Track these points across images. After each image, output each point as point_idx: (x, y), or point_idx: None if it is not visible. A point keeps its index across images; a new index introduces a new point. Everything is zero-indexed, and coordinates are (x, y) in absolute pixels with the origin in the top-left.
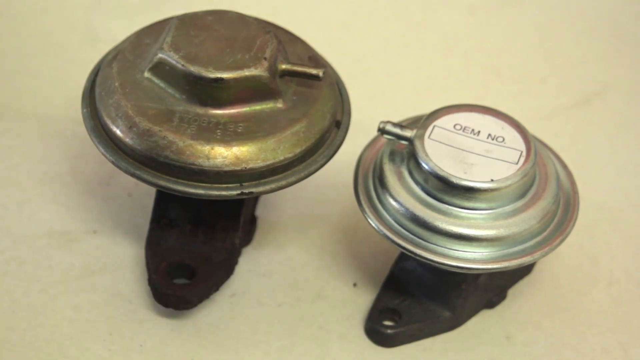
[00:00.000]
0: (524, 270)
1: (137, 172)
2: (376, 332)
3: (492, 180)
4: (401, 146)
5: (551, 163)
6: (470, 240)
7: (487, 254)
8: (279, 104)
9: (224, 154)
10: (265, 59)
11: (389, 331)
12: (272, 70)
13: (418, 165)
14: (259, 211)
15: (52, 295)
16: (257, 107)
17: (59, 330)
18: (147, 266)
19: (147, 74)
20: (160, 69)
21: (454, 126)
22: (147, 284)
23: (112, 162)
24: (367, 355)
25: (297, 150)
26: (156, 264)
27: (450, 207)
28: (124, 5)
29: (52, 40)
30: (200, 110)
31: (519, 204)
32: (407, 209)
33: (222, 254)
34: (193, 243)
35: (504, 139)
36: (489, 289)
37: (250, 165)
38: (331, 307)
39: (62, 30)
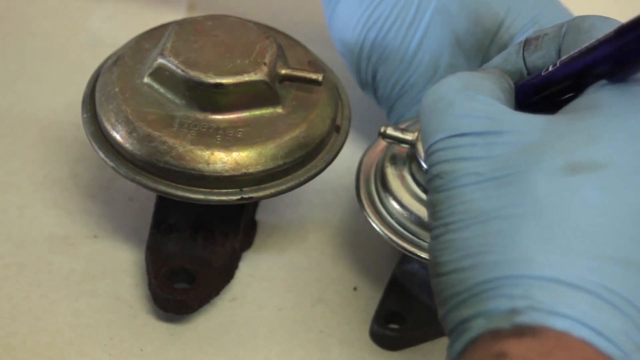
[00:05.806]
0: None
1: (137, 178)
2: (382, 336)
3: None
4: (402, 149)
5: None
6: None
7: None
8: (279, 109)
9: (223, 159)
10: (264, 64)
11: (395, 334)
12: (272, 75)
13: (421, 167)
14: (259, 215)
15: (53, 300)
16: (256, 112)
17: (59, 335)
18: (147, 271)
19: (146, 80)
20: (160, 74)
21: None
22: (148, 288)
23: (112, 168)
24: (368, 359)
25: (297, 155)
26: (156, 268)
27: None
28: (124, 10)
29: (53, 45)
30: (200, 115)
31: None
32: (411, 212)
33: (222, 258)
34: (193, 248)
35: None
36: None
37: (250, 171)
38: (331, 311)
39: (63, 34)
